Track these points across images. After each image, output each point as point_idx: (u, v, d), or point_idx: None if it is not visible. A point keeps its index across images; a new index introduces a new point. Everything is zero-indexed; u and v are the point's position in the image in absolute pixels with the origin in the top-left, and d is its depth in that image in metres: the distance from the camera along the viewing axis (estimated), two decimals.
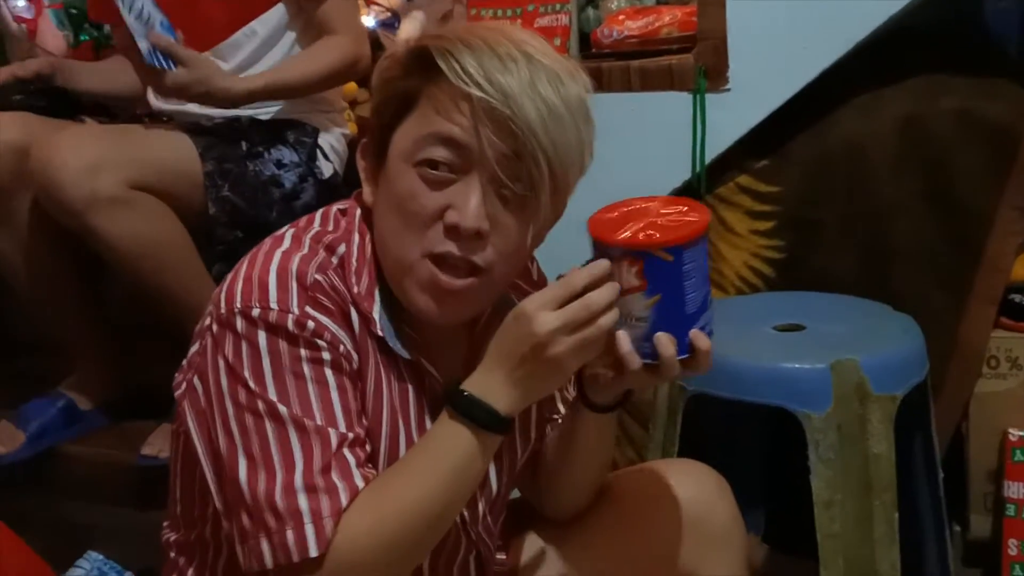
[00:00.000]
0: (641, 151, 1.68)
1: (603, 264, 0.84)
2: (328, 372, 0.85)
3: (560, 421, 1.07)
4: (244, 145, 1.53)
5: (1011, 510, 1.54)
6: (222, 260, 1.50)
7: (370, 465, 0.88)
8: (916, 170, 1.60)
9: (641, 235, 0.84)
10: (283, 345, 0.84)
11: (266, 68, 1.58)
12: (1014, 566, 1.54)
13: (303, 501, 0.82)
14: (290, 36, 1.61)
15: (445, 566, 1.00)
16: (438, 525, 0.88)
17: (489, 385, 0.85)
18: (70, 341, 1.66)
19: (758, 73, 1.60)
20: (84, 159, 1.35)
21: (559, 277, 0.85)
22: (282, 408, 0.83)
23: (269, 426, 0.83)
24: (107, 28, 1.79)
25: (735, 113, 1.63)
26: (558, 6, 1.87)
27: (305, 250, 0.89)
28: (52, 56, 1.83)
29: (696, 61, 1.62)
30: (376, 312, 0.89)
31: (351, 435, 0.85)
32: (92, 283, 1.62)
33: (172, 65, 1.43)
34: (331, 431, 0.84)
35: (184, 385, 0.92)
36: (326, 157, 1.63)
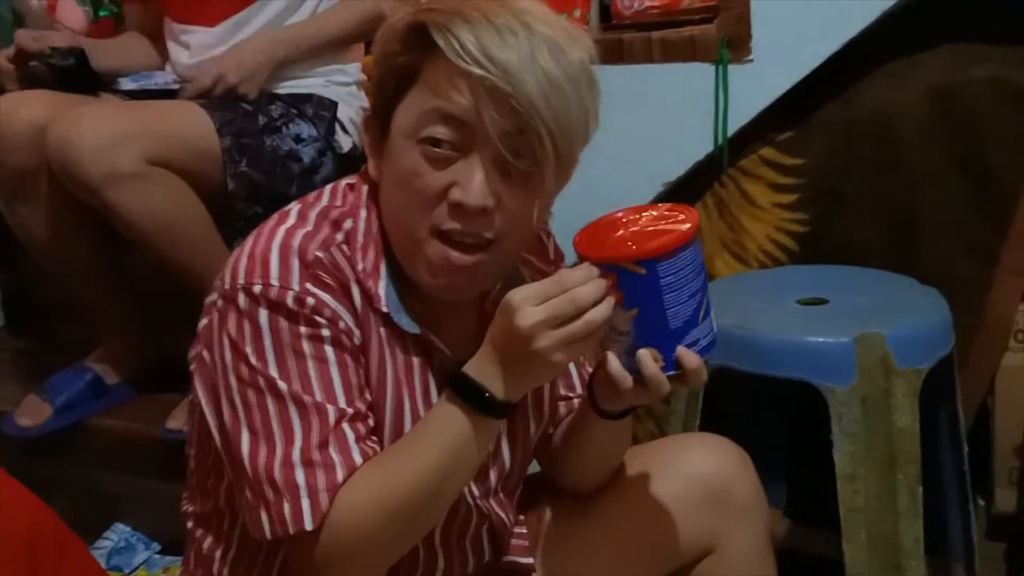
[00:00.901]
0: (663, 123, 1.66)
1: (594, 268, 0.82)
2: (328, 349, 0.86)
3: (575, 404, 1.07)
4: (261, 119, 1.53)
5: None
6: (242, 235, 1.48)
7: (374, 439, 0.89)
8: (946, 140, 1.57)
9: (612, 248, 0.83)
10: (283, 322, 0.85)
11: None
12: None
13: (300, 475, 0.84)
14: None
15: (457, 539, 1.01)
16: (435, 504, 0.88)
17: (486, 370, 0.84)
18: (95, 315, 1.67)
19: (781, 43, 1.58)
20: (102, 135, 1.35)
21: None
22: (282, 384, 0.85)
23: (269, 401, 0.85)
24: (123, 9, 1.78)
25: (758, 84, 1.60)
26: None
27: (309, 226, 0.89)
28: (71, 32, 1.83)
29: (718, 31, 1.60)
30: (383, 288, 0.90)
31: (350, 410, 0.86)
32: (117, 258, 1.62)
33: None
34: (329, 407, 0.85)
35: (195, 358, 0.93)
36: (345, 131, 1.63)
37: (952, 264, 1.58)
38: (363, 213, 0.92)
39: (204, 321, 0.92)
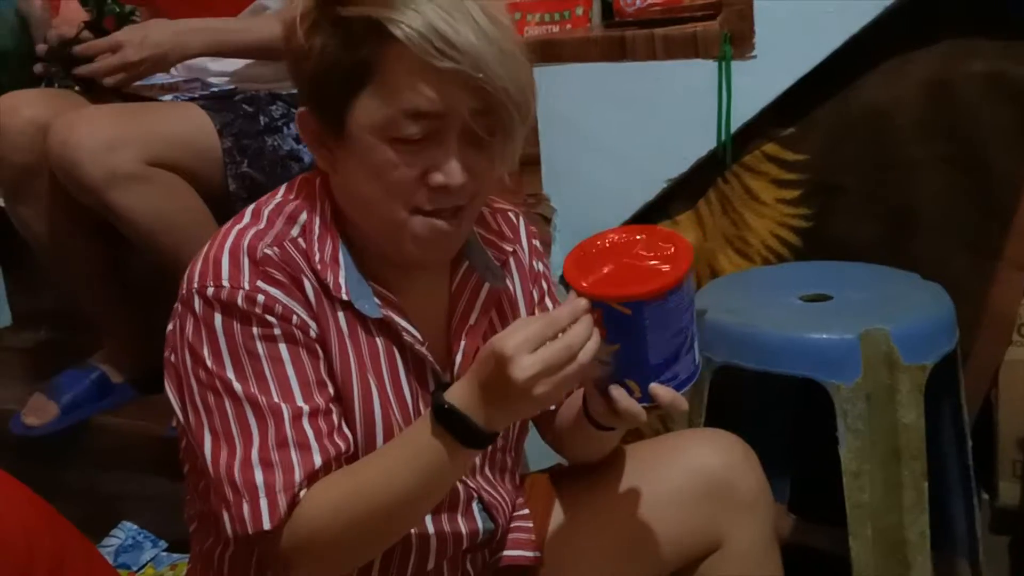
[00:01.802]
0: (666, 120, 1.66)
1: (583, 303, 0.82)
2: (282, 346, 0.88)
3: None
4: (263, 120, 1.53)
5: None
6: None
7: (343, 434, 0.90)
8: (944, 134, 1.58)
9: (600, 286, 0.83)
10: (236, 324, 0.87)
11: None
12: None
13: (258, 475, 0.85)
14: None
15: (449, 517, 1.01)
16: (401, 519, 0.90)
17: (472, 402, 0.84)
18: (100, 315, 1.67)
19: (784, 40, 1.58)
20: (100, 137, 1.35)
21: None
22: (238, 385, 0.86)
23: (227, 403, 0.86)
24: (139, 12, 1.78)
25: (761, 80, 1.61)
26: None
27: (262, 224, 0.91)
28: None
29: (721, 28, 1.60)
30: (342, 277, 0.91)
31: (307, 407, 0.87)
32: (120, 256, 1.63)
33: None
34: (285, 406, 0.86)
35: (165, 361, 0.94)
36: None
37: (952, 258, 1.58)
38: (318, 205, 0.93)
39: (170, 325, 0.93)
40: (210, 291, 0.87)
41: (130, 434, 1.64)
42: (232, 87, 1.59)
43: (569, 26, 1.87)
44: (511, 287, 1.05)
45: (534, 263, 1.09)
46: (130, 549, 1.61)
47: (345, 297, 0.91)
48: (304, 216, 0.92)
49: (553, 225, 1.77)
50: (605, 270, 0.84)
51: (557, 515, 1.10)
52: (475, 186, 0.89)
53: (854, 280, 1.45)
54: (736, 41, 1.59)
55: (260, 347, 0.87)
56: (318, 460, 0.86)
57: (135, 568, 1.58)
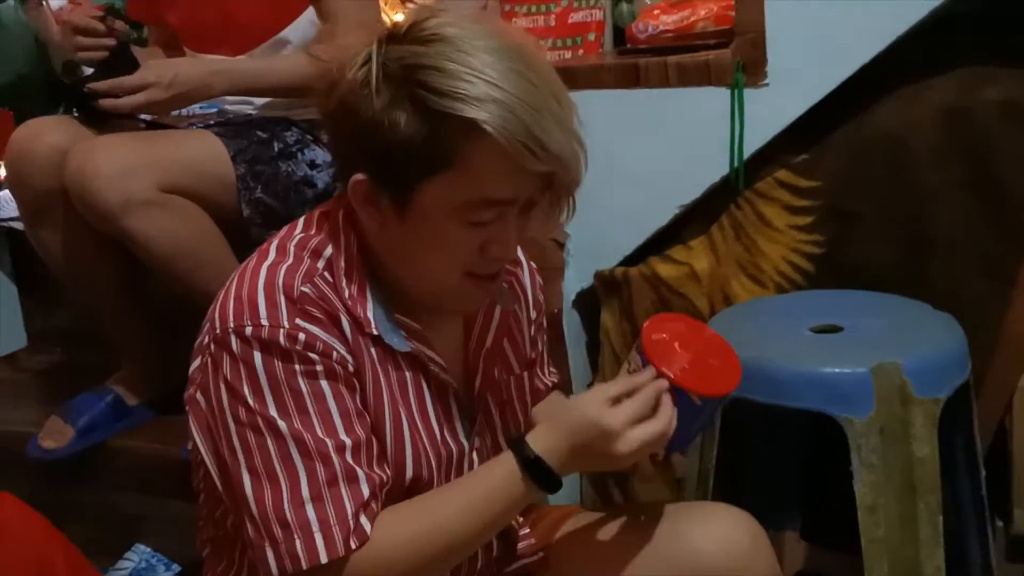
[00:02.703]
0: (680, 146, 1.67)
1: (665, 384, 0.93)
2: (324, 383, 0.88)
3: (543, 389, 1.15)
4: (276, 146, 1.54)
5: None
6: None
7: (383, 467, 0.92)
8: (959, 161, 1.57)
9: (688, 377, 0.93)
10: (277, 362, 0.87)
11: None
12: None
13: (311, 512, 0.86)
14: None
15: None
16: (461, 554, 0.94)
17: (558, 457, 0.91)
18: (117, 338, 1.69)
19: (797, 67, 1.58)
20: (116, 165, 1.37)
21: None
22: (282, 423, 0.86)
23: (270, 441, 0.86)
24: (147, 30, 1.80)
25: (773, 107, 1.61)
26: (592, 1, 1.85)
27: (290, 260, 0.91)
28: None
29: (734, 56, 1.60)
30: (371, 311, 0.92)
31: (349, 441, 0.88)
32: (137, 279, 1.64)
33: None
34: (330, 442, 0.87)
35: (189, 400, 0.95)
36: None
37: (966, 284, 1.57)
38: (342, 240, 0.93)
39: (196, 363, 0.93)
40: (249, 330, 0.87)
41: (145, 456, 1.65)
42: (248, 114, 1.61)
43: (582, 52, 1.88)
44: (517, 309, 1.08)
45: (536, 286, 1.12)
46: (144, 572, 1.62)
47: (375, 332, 0.92)
48: (329, 251, 0.93)
49: (566, 250, 1.78)
50: (686, 361, 0.94)
51: None
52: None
53: (865, 310, 1.44)
54: (748, 69, 1.60)
55: (303, 384, 0.87)
56: (366, 491, 0.87)
57: None
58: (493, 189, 0.86)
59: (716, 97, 1.62)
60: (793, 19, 1.56)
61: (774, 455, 1.59)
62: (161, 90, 1.45)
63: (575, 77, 1.71)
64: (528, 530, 1.13)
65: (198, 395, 0.92)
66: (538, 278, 1.13)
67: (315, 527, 0.85)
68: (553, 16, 1.88)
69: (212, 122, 1.62)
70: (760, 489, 1.55)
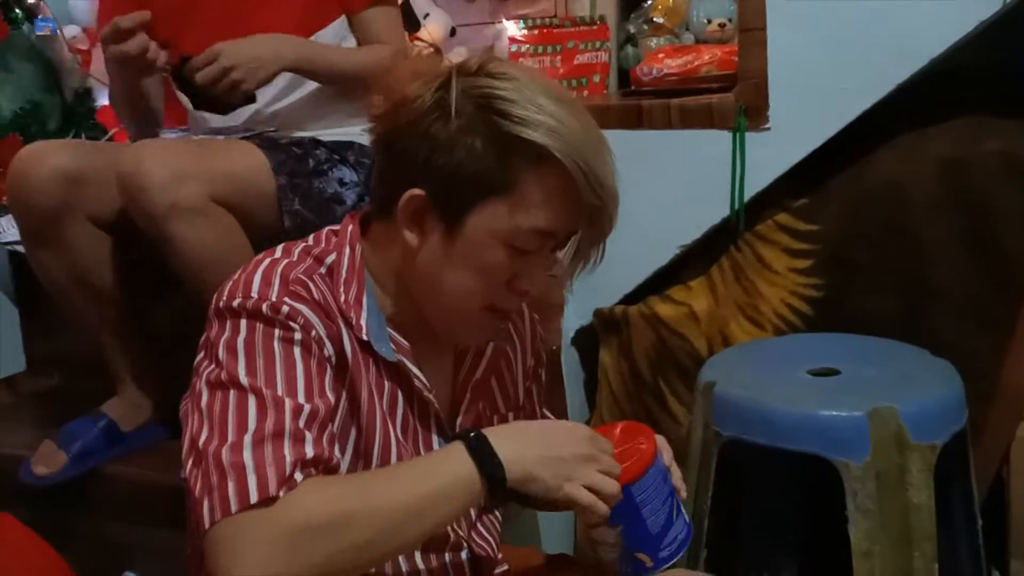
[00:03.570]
0: (681, 188, 1.68)
1: None
2: (297, 352, 0.88)
3: None
4: (311, 162, 1.57)
5: None
6: None
7: (338, 449, 0.90)
8: (957, 212, 1.58)
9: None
10: (258, 326, 0.88)
11: (315, 86, 1.61)
12: None
13: (248, 456, 0.82)
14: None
15: (436, 558, 1.01)
16: (391, 532, 0.85)
17: (502, 433, 0.89)
18: (113, 363, 1.68)
19: (798, 112, 1.60)
20: (170, 168, 1.38)
21: None
22: (245, 379, 0.86)
23: (231, 395, 0.86)
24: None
25: (775, 151, 1.63)
26: (598, 43, 1.89)
27: (294, 258, 0.95)
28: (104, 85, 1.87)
29: (736, 100, 1.63)
30: (364, 318, 0.94)
31: (308, 407, 0.86)
32: (134, 305, 1.65)
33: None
34: (288, 402, 0.85)
35: (188, 391, 0.94)
36: None
37: (964, 334, 1.58)
38: (347, 251, 0.96)
39: (198, 357, 0.93)
40: (237, 302, 0.89)
41: (138, 484, 1.64)
42: (276, 132, 1.62)
43: (587, 93, 1.90)
44: (511, 352, 1.09)
45: (535, 336, 1.13)
46: None
47: (365, 338, 0.94)
48: (331, 258, 0.96)
49: (567, 288, 1.78)
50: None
51: None
52: None
53: (863, 354, 1.45)
54: (751, 113, 1.62)
55: (277, 347, 0.88)
56: (310, 452, 0.84)
57: None
58: (547, 219, 0.90)
59: (718, 140, 1.65)
60: (795, 66, 1.59)
61: (770, 498, 1.58)
62: (240, 73, 1.48)
63: None
64: (507, 566, 1.11)
65: (195, 381, 0.91)
66: (539, 329, 1.15)
67: (249, 470, 0.81)
68: (559, 57, 1.91)
69: (249, 134, 1.63)
70: (756, 532, 1.55)
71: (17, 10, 2.11)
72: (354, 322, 0.93)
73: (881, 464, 1.23)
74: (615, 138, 1.68)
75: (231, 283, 0.92)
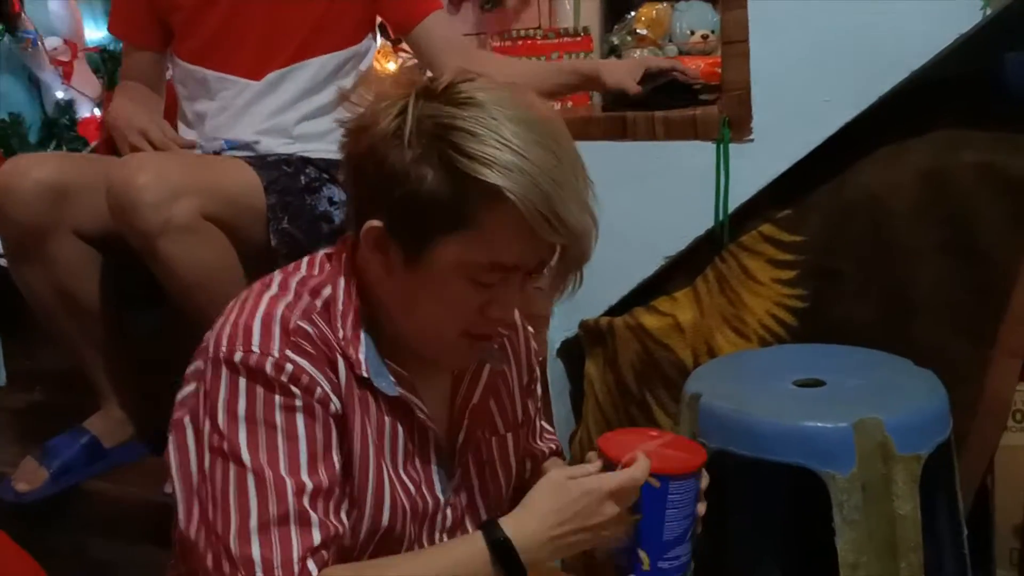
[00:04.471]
0: (665, 199, 1.69)
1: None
2: (300, 421, 0.88)
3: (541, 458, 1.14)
4: (302, 179, 1.56)
5: None
6: None
7: (343, 517, 0.90)
8: (938, 222, 1.59)
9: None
10: (260, 391, 0.87)
11: (327, 97, 1.58)
12: None
13: (255, 549, 0.84)
14: (359, 66, 1.63)
15: None
16: None
17: (526, 536, 0.90)
18: (96, 379, 1.67)
19: (782, 124, 1.61)
20: (165, 184, 1.36)
21: None
22: (246, 455, 0.86)
23: (232, 470, 0.86)
24: None
25: (758, 163, 1.63)
26: (582, 55, 1.89)
27: (291, 296, 0.93)
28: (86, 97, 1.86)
29: (720, 111, 1.63)
30: (362, 354, 0.93)
31: (310, 485, 0.87)
32: (117, 321, 1.63)
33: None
34: (290, 482, 0.86)
35: (174, 424, 0.94)
36: None
37: (948, 343, 1.58)
38: (342, 282, 0.94)
39: (189, 388, 0.93)
40: (238, 356, 0.88)
41: (121, 500, 1.63)
42: (277, 153, 1.61)
43: (571, 104, 1.91)
44: (507, 370, 1.08)
45: (530, 352, 1.12)
46: None
47: (365, 374, 0.92)
48: (328, 291, 0.94)
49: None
50: (639, 450, 0.94)
51: None
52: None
53: (847, 365, 1.45)
54: (735, 125, 1.63)
55: (279, 418, 0.87)
56: (317, 537, 0.86)
57: None
58: (505, 254, 0.87)
59: (702, 151, 1.65)
60: (778, 78, 1.60)
61: (757, 510, 1.58)
62: None
63: None
64: None
65: (186, 419, 0.92)
66: (533, 344, 1.13)
67: (258, 565, 0.84)
68: None
69: (241, 154, 1.62)
70: (742, 544, 1.54)
71: None
72: (353, 358, 0.92)
73: (867, 475, 1.23)
74: (600, 150, 1.72)
75: (230, 327, 0.90)
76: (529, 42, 1.95)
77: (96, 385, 1.68)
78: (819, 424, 1.25)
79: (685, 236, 1.71)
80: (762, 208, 1.68)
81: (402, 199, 0.86)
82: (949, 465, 1.38)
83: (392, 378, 0.94)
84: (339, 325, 0.92)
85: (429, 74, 0.91)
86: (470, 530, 1.03)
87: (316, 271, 0.96)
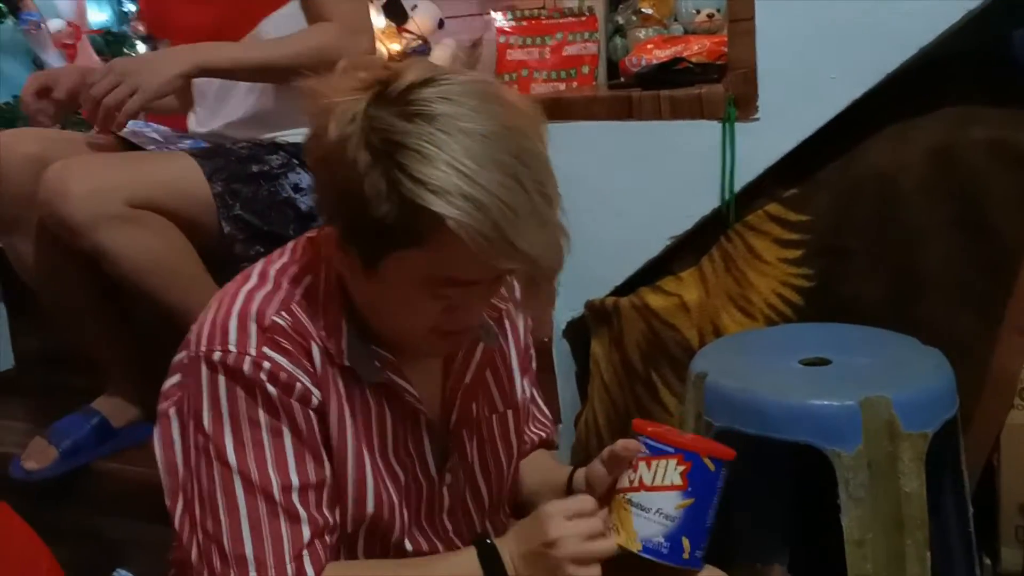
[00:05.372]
0: (671, 179, 1.68)
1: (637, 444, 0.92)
2: (283, 418, 0.89)
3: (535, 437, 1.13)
4: (255, 167, 1.54)
5: None
6: None
7: (333, 507, 0.91)
8: (947, 199, 1.59)
9: (693, 440, 0.94)
10: (240, 391, 0.88)
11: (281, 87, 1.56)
12: None
13: (248, 548, 0.86)
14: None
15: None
16: None
17: (508, 553, 0.91)
18: (99, 357, 1.68)
19: (788, 102, 1.60)
20: (87, 185, 1.38)
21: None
22: (232, 455, 0.87)
23: (217, 471, 0.88)
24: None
25: (764, 142, 1.63)
26: (586, 34, 1.88)
27: (269, 286, 0.93)
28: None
29: (726, 90, 1.62)
30: (344, 342, 0.92)
31: (297, 482, 0.89)
32: (119, 298, 1.63)
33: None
34: (276, 480, 0.88)
35: (160, 414, 0.95)
36: None
37: (955, 321, 1.58)
38: (322, 269, 0.94)
39: (174, 379, 0.94)
40: (216, 355, 0.88)
41: (129, 480, 1.63)
42: (233, 141, 1.60)
43: (576, 84, 1.90)
44: (504, 345, 1.06)
45: (527, 328, 1.11)
46: None
47: (346, 363, 0.92)
48: (308, 279, 0.93)
49: (556, 280, 1.78)
50: (685, 436, 0.94)
51: None
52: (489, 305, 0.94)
53: (853, 344, 1.45)
54: (740, 103, 1.62)
55: (262, 417, 0.88)
56: (307, 533, 0.88)
57: None
58: (459, 272, 0.84)
59: (708, 130, 1.64)
60: (784, 56, 1.59)
61: (762, 488, 1.59)
62: (124, 84, 1.40)
63: (569, 109, 1.72)
64: None
65: (171, 411, 0.93)
66: (529, 320, 1.12)
67: (251, 565, 0.86)
68: (548, 49, 1.91)
69: (187, 148, 1.62)
70: (747, 522, 1.55)
71: (1, 4, 2.10)
72: (333, 348, 0.91)
73: (873, 453, 1.23)
74: (605, 129, 1.72)
75: (209, 325, 0.90)
76: (533, 22, 1.94)
77: (102, 364, 1.69)
78: (825, 402, 1.25)
79: (691, 216, 1.71)
80: (768, 187, 1.68)
81: (351, 213, 0.83)
82: (955, 443, 1.38)
83: (377, 363, 0.93)
84: (320, 314, 0.92)
85: (388, 68, 0.84)
86: (472, 510, 1.04)
87: (298, 256, 0.96)
